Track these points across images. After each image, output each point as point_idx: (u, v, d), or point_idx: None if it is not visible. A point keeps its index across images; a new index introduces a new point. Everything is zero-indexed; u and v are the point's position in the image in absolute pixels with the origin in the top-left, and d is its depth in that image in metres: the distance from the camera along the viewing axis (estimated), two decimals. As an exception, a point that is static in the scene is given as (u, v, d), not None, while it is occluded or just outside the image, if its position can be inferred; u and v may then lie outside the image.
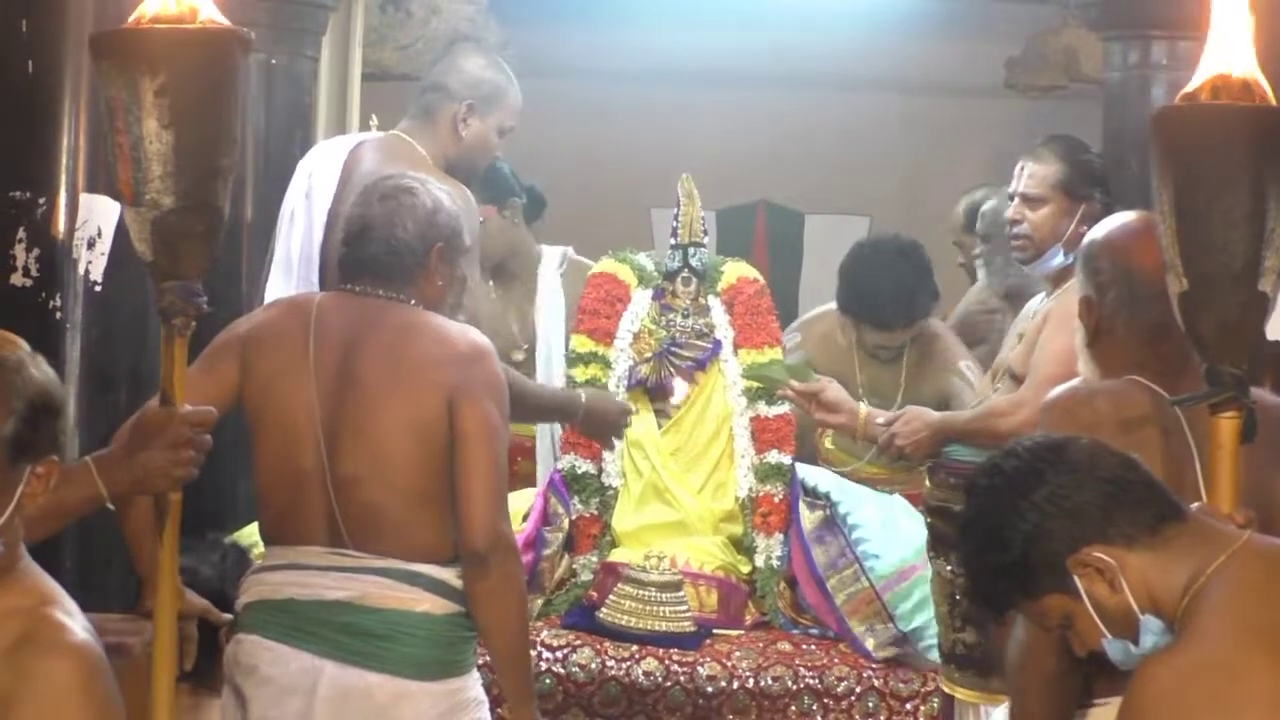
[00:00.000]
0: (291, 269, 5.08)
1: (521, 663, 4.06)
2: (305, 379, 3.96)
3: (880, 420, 4.93)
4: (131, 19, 3.07)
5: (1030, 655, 3.31)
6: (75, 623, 2.60)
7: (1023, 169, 5.11)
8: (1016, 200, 5.10)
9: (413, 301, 4.06)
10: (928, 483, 4.84)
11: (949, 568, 4.64)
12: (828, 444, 5.90)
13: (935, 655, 4.93)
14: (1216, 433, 3.14)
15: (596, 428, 5.14)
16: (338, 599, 3.91)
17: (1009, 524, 2.89)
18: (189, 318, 3.16)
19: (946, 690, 4.79)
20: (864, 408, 5.05)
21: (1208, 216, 3.07)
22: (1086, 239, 3.75)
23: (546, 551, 5.31)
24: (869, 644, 5.10)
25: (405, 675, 3.90)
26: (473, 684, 4.02)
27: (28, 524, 2.87)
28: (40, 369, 2.68)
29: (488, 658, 4.11)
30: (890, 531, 5.27)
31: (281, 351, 4.00)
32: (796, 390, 5.08)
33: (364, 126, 7.51)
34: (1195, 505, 3.03)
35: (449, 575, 3.95)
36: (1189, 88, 3.12)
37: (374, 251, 4.07)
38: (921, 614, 5.06)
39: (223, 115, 3.10)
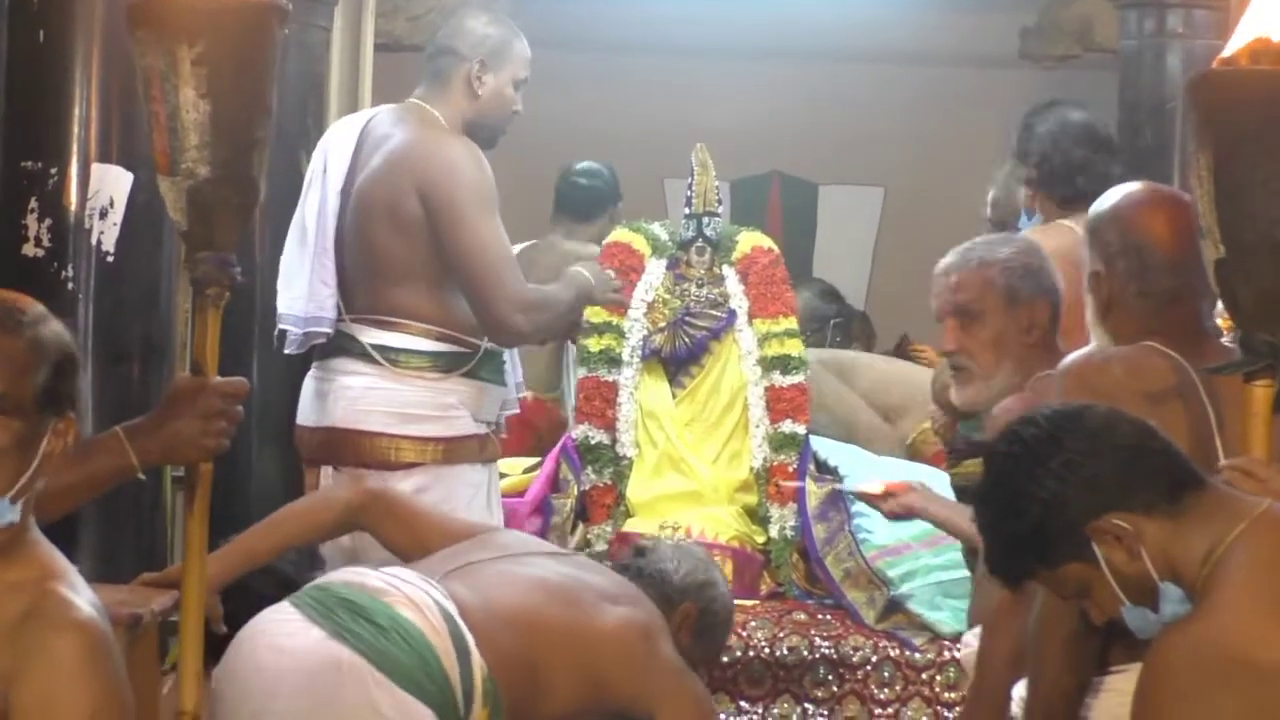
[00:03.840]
0: (307, 237, 5.09)
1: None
2: None
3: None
4: None
5: (1049, 619, 3.30)
6: (80, 598, 2.60)
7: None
8: None
9: None
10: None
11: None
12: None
13: (940, 623, 4.96)
14: (1251, 400, 3.12)
15: (594, 291, 5.33)
16: (374, 587, 3.83)
17: (1027, 492, 2.88)
18: (223, 288, 3.15)
19: (960, 661, 4.79)
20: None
21: (1248, 184, 3.03)
22: (1092, 212, 3.69)
23: (555, 519, 5.30)
24: (869, 616, 5.09)
25: (381, 668, 3.76)
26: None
27: (59, 495, 2.87)
28: (59, 324, 2.69)
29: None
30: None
31: None
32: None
33: (377, 99, 7.51)
34: (1223, 463, 3.01)
35: (475, 653, 3.84)
36: (1226, 52, 3.08)
37: None
38: (908, 584, 5.07)
39: (259, 86, 3.10)
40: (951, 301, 4.24)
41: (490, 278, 4.81)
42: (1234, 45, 3.06)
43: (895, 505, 4.67)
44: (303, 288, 4.98)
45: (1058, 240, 4.82)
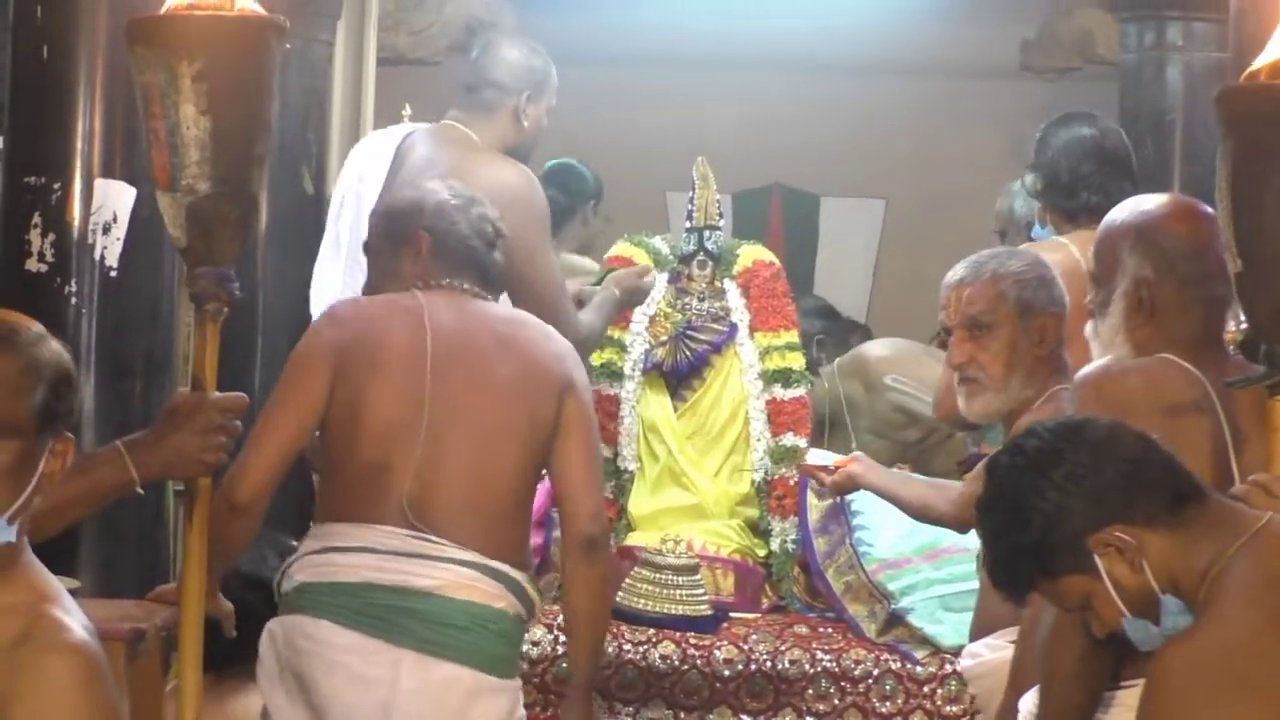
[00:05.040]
0: (340, 250, 5.17)
1: (602, 648, 4.38)
2: (417, 373, 3.98)
3: None
4: (168, 6, 3.07)
5: (1059, 636, 3.30)
6: (74, 621, 2.59)
7: None
8: None
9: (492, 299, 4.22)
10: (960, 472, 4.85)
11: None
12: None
13: (940, 637, 4.96)
14: (1273, 415, 3.12)
15: (633, 297, 5.37)
16: (420, 587, 3.88)
17: (1029, 504, 2.89)
18: (222, 303, 3.16)
19: (962, 672, 4.80)
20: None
21: (1262, 198, 3.04)
22: (1120, 222, 3.67)
23: (557, 533, 5.30)
24: (870, 629, 5.09)
25: (484, 670, 3.90)
26: (520, 684, 4.05)
27: (59, 509, 2.87)
28: (57, 344, 2.69)
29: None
30: (893, 525, 5.26)
31: (387, 348, 4.01)
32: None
33: (379, 113, 7.51)
34: (1251, 478, 3.01)
35: (523, 578, 3.99)
36: (1253, 66, 3.08)
37: (482, 257, 4.20)
38: (908, 597, 5.07)
39: (259, 102, 3.11)
40: (963, 313, 4.25)
41: (552, 315, 4.67)
42: (1261, 60, 3.07)
43: (839, 476, 4.73)
44: (335, 299, 5.00)
45: (1055, 255, 4.83)
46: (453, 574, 3.89)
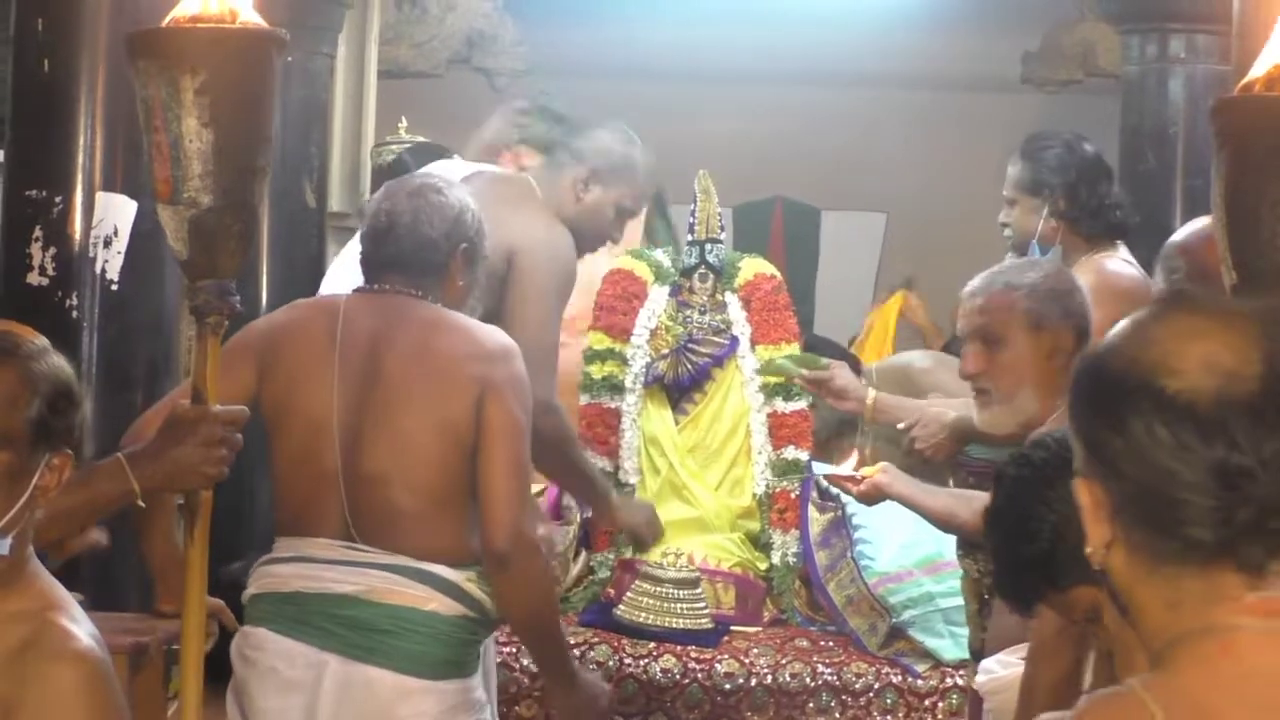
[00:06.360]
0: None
1: (555, 648, 4.17)
2: (329, 376, 3.95)
3: (901, 425, 4.93)
4: (169, 19, 3.08)
5: (1040, 658, 3.30)
6: (80, 629, 2.59)
7: (1007, 171, 5.35)
8: (1005, 203, 5.48)
9: (433, 301, 4.06)
10: (950, 482, 4.84)
11: (977, 567, 4.64)
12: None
13: (941, 650, 4.95)
14: None
15: (626, 525, 5.18)
16: (345, 593, 3.90)
17: (1037, 515, 2.88)
18: (223, 316, 3.16)
19: (977, 688, 4.78)
20: (872, 393, 5.05)
21: (1257, 210, 3.03)
22: (1168, 242, 3.74)
23: (559, 547, 5.30)
24: (871, 643, 5.09)
25: (408, 672, 3.89)
26: (474, 685, 4.01)
27: (59, 519, 2.86)
28: (60, 359, 2.69)
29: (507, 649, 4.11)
30: (894, 538, 5.26)
31: (305, 350, 3.98)
32: (806, 378, 5.08)
33: (380, 126, 7.52)
34: None
35: (459, 577, 3.94)
36: (1247, 78, 3.08)
37: (402, 248, 4.06)
38: (910, 610, 5.07)
39: (260, 115, 3.11)
40: (976, 324, 4.25)
41: (534, 360, 4.46)
42: (1255, 71, 3.06)
43: (866, 486, 4.71)
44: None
45: (1129, 271, 4.86)
46: (378, 578, 3.90)
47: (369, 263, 4.12)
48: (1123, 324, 1.93)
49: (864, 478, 4.69)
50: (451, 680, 3.94)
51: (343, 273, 5.13)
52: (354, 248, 5.20)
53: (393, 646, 3.88)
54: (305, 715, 3.87)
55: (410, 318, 4.02)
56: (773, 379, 5.41)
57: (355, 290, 4.13)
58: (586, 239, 5.07)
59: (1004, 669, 4.40)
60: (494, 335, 4.06)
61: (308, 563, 3.93)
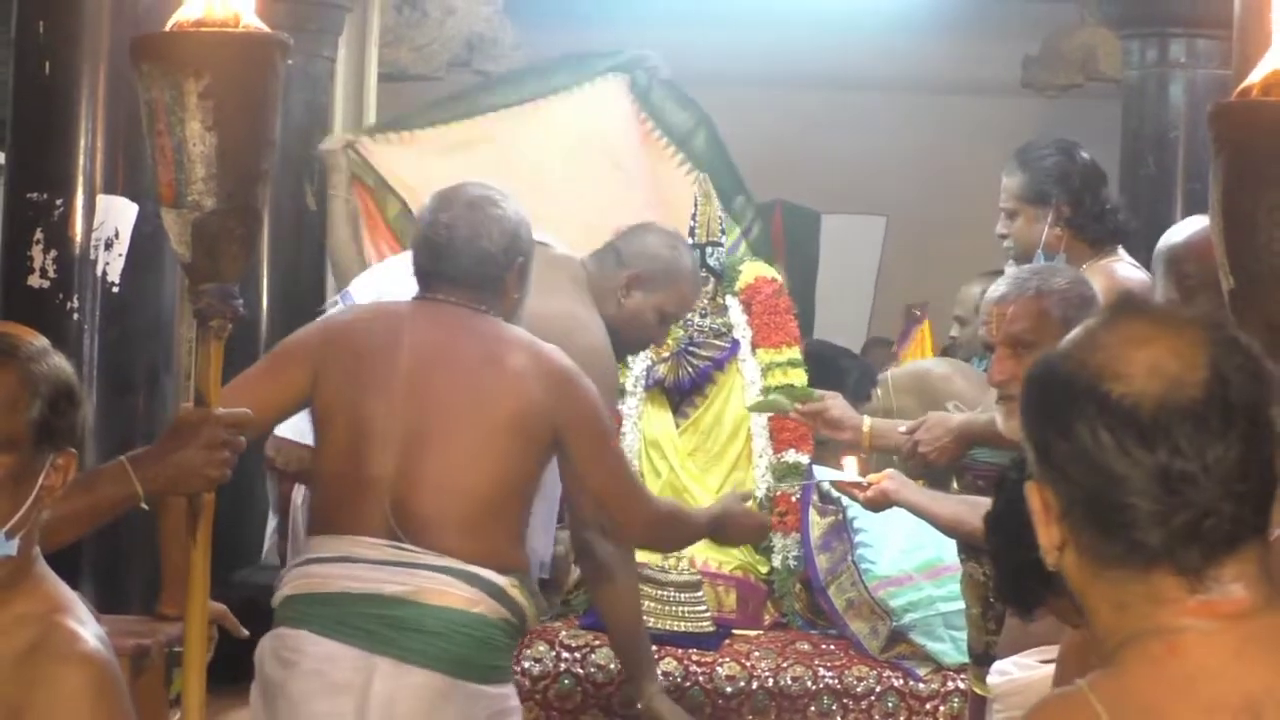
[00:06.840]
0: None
1: (649, 648, 4.59)
2: (389, 380, 3.94)
3: (903, 429, 4.92)
4: (172, 23, 3.08)
5: (1077, 651, 3.29)
6: (87, 631, 2.59)
7: (1002, 183, 5.29)
8: (1002, 214, 5.39)
9: (493, 314, 4.05)
10: (955, 486, 4.84)
11: (982, 570, 4.64)
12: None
13: (942, 654, 4.95)
14: None
15: (734, 535, 4.82)
16: (393, 593, 3.86)
17: None
18: (226, 320, 3.16)
19: (979, 691, 4.77)
20: (868, 422, 5.03)
21: (1254, 214, 3.03)
22: (1166, 244, 3.70)
23: (559, 550, 5.30)
24: (872, 646, 5.09)
25: (458, 675, 3.88)
26: (512, 693, 4.01)
27: (63, 522, 2.86)
28: (60, 359, 2.69)
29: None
30: (895, 542, 5.26)
31: (365, 353, 3.97)
32: (801, 412, 5.05)
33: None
34: None
35: (505, 582, 3.93)
36: (1244, 83, 3.08)
37: (460, 263, 4.03)
38: (910, 614, 5.07)
39: (264, 118, 3.12)
40: (1005, 331, 4.23)
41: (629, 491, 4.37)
42: (1253, 77, 3.06)
43: (873, 493, 4.70)
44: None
45: (1138, 275, 4.84)
46: (426, 579, 3.88)
47: (425, 274, 4.09)
48: (1076, 330, 1.94)
49: (871, 484, 4.68)
50: (493, 685, 3.93)
51: (383, 276, 5.08)
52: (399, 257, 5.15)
53: (442, 649, 3.85)
54: (356, 717, 3.83)
55: (474, 331, 4.02)
56: (774, 382, 5.41)
57: (416, 298, 4.11)
58: (625, 342, 4.99)
59: (1020, 671, 4.39)
60: (559, 354, 4.06)
61: (353, 563, 3.90)
